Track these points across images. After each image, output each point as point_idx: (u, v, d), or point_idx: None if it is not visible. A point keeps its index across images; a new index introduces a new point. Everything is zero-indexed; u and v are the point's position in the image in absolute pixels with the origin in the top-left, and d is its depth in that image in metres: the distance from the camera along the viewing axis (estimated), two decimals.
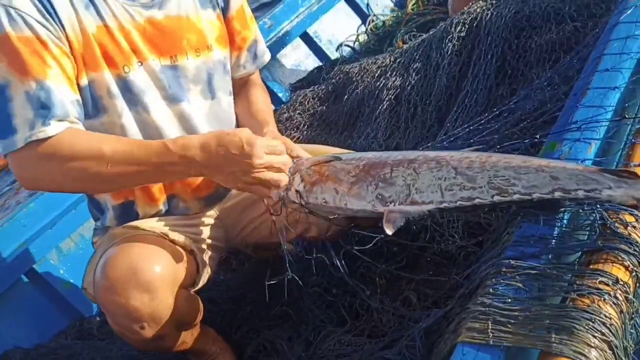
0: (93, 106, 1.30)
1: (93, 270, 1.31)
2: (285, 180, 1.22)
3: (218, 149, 1.18)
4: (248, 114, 1.52)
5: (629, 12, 1.35)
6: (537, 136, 1.26)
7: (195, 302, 1.42)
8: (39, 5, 1.22)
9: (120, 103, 1.31)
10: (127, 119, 1.33)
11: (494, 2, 2.23)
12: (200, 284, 1.43)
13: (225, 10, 1.47)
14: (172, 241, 1.37)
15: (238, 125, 1.53)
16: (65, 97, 1.22)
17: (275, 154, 1.21)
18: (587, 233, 0.93)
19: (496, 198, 1.04)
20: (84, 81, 1.28)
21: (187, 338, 1.43)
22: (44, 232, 1.97)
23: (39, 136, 1.19)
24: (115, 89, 1.30)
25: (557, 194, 0.99)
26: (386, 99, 2.17)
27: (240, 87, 1.58)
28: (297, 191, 1.23)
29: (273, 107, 2.63)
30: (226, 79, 1.48)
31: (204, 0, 1.43)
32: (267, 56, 1.61)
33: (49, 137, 1.19)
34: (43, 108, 1.19)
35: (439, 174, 1.10)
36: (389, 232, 1.11)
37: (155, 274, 1.25)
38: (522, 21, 2.04)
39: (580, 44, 1.75)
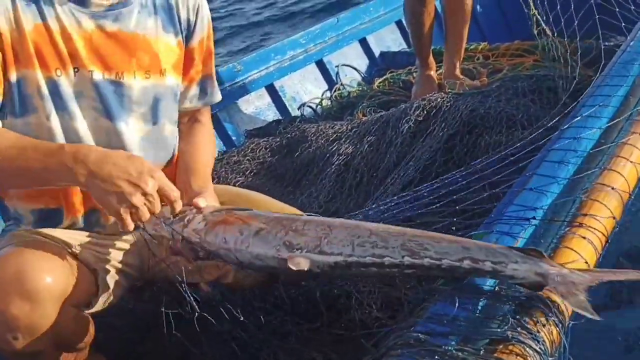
0: (21, 104, 1.27)
1: None
2: (147, 215, 1.19)
3: (116, 159, 1.16)
4: (187, 163, 1.47)
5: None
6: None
7: (85, 323, 1.33)
8: None
9: (49, 105, 1.28)
10: (54, 122, 1.29)
11: (454, 95, 2.35)
12: (97, 307, 1.34)
13: (188, 39, 1.45)
14: (75, 255, 1.30)
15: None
16: None
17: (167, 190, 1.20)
18: (499, 322, 0.95)
19: (406, 259, 1.07)
20: (14, 76, 1.25)
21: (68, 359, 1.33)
22: None
23: None
24: (45, 90, 1.27)
25: (466, 263, 1.03)
26: (335, 163, 2.21)
27: (186, 124, 1.54)
28: (194, 230, 1.21)
29: (224, 149, 2.66)
30: (174, 107, 1.46)
31: (168, 24, 1.41)
32: (217, 97, 1.57)
33: None
34: None
35: (353, 232, 1.13)
36: (294, 268, 1.11)
37: (43, 284, 1.17)
38: (477, 119, 2.14)
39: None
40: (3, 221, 1.45)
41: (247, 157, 2.47)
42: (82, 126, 1.32)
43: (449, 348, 0.88)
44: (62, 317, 1.22)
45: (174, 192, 1.22)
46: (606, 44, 2.44)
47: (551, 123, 1.76)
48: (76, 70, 1.29)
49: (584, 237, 1.15)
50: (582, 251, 1.12)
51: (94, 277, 1.33)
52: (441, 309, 0.98)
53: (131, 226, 1.19)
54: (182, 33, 1.44)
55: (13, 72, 1.25)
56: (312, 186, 2.18)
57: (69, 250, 1.29)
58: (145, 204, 1.18)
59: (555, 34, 2.41)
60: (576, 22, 2.24)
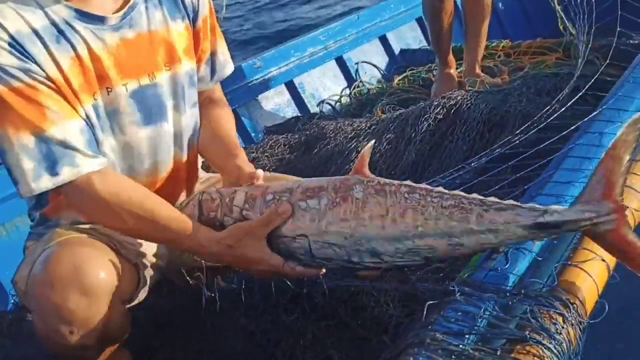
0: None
1: (30, 264, 1.25)
2: None
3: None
4: (213, 138, 1.50)
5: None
6: None
7: (127, 319, 1.35)
8: (15, 53, 1.18)
9: (100, 131, 1.29)
10: (108, 144, 1.31)
11: (474, 93, 2.33)
12: (136, 301, 1.37)
13: (194, 21, 1.44)
14: (118, 251, 1.31)
15: (200, 144, 1.51)
16: (70, 137, 1.21)
17: None
18: (517, 322, 0.94)
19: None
20: (79, 113, 1.26)
21: (106, 355, 1.34)
22: None
23: (47, 186, 1.20)
24: (93, 118, 1.28)
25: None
26: (354, 160, 2.20)
27: (206, 105, 1.54)
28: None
29: (243, 145, 2.66)
30: (193, 92, 1.46)
31: (173, 10, 1.40)
32: (227, 69, 1.56)
33: (63, 186, 1.22)
34: (46, 160, 1.20)
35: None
36: None
37: (100, 279, 1.20)
38: (497, 117, 2.12)
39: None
40: (30, 225, 1.46)
41: (266, 154, 2.47)
42: (133, 139, 1.34)
43: (466, 347, 0.88)
44: (112, 312, 1.24)
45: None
46: (631, 41, 2.42)
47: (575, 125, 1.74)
48: (109, 90, 1.29)
49: None
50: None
51: (136, 271, 1.35)
52: (459, 308, 0.97)
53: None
54: (188, 16, 1.43)
55: (79, 108, 1.25)
56: None
57: (114, 247, 1.31)
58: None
59: (581, 31, 2.38)
60: (592, 19, 2.21)
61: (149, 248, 1.41)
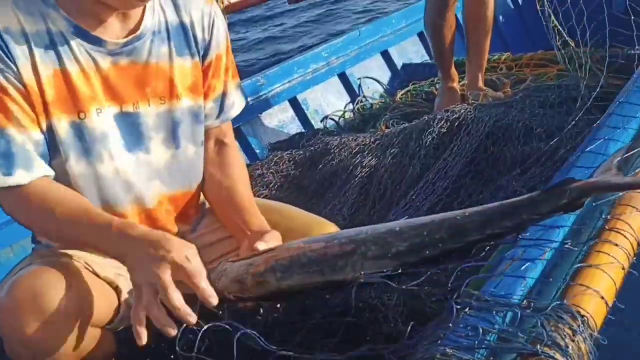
0: (51, 151, 1.27)
1: (2, 288, 1.23)
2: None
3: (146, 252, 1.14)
4: (234, 201, 1.44)
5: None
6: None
7: (105, 342, 1.31)
8: None
9: (73, 150, 1.27)
10: (79, 167, 1.29)
11: (477, 107, 2.34)
12: (120, 324, 1.33)
13: (203, 58, 1.42)
14: (96, 274, 1.29)
15: (208, 193, 1.50)
16: (30, 140, 1.22)
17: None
18: (526, 337, 0.94)
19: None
20: (43, 125, 1.25)
21: None
22: None
23: None
24: (68, 136, 1.26)
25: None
26: (359, 175, 2.21)
27: (213, 148, 1.51)
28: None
29: (247, 162, 2.67)
30: (196, 129, 1.43)
31: (182, 47, 1.38)
32: (235, 110, 1.52)
33: (10, 188, 1.21)
34: (3, 158, 1.20)
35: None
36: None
37: (59, 304, 1.16)
38: (500, 130, 2.13)
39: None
40: (32, 242, 1.46)
41: (271, 170, 2.48)
42: (109, 168, 1.31)
43: None
44: (79, 336, 1.21)
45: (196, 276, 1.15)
46: (631, 52, 2.43)
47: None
48: (99, 111, 1.28)
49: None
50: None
51: (117, 294, 1.32)
52: (469, 322, 0.97)
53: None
54: (198, 53, 1.41)
55: (43, 120, 1.25)
56: (335, 199, 2.18)
57: (91, 269, 1.29)
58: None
59: (580, 44, 2.39)
60: (591, 30, 2.22)
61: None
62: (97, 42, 1.27)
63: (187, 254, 1.13)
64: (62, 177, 1.29)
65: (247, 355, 1.42)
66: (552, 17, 2.40)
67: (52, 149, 1.27)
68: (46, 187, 1.25)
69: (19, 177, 1.21)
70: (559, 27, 2.30)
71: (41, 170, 1.25)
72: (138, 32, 1.31)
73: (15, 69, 1.20)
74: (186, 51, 1.39)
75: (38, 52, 1.22)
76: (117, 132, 1.31)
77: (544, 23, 2.38)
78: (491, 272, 1.10)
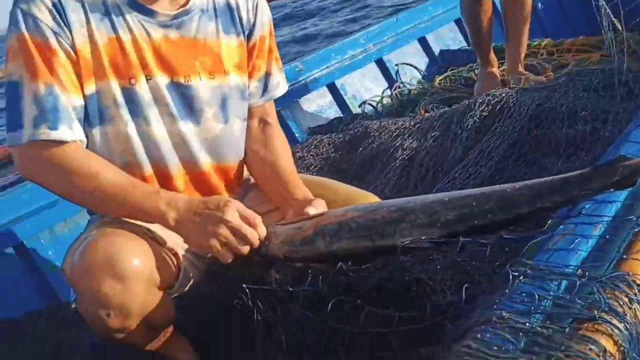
0: (99, 115, 1.34)
1: (73, 253, 1.31)
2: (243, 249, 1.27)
3: (199, 206, 1.26)
4: (279, 175, 1.51)
5: None
6: None
7: (168, 305, 1.38)
8: (54, 12, 1.28)
9: (126, 113, 1.35)
10: (132, 130, 1.36)
11: (519, 91, 2.33)
12: (178, 290, 1.40)
13: (249, 37, 1.50)
14: (157, 240, 1.36)
15: (253, 170, 1.55)
16: (71, 104, 1.29)
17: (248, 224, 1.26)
18: (582, 303, 0.95)
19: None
20: (91, 89, 1.32)
21: (155, 340, 1.39)
22: (42, 211, 1.97)
23: (41, 137, 1.26)
24: (121, 99, 1.34)
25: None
26: (400, 157, 2.22)
27: (257, 127, 1.57)
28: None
29: (288, 145, 2.68)
30: (242, 105, 1.50)
31: (228, 25, 1.46)
32: (279, 90, 1.59)
33: (54, 142, 1.27)
34: (50, 112, 1.26)
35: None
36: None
37: (133, 266, 1.23)
38: (544, 114, 2.12)
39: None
40: (89, 214, 1.52)
41: (311, 153, 2.52)
42: (159, 132, 1.39)
43: (534, 325, 0.89)
44: (148, 297, 1.28)
45: (255, 219, 1.28)
46: None
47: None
48: (149, 78, 1.36)
49: None
50: None
51: (177, 260, 1.38)
52: (523, 288, 0.99)
53: (229, 257, 1.28)
54: (243, 33, 1.49)
55: (91, 84, 1.32)
56: (377, 180, 2.20)
57: (153, 236, 1.35)
58: (237, 239, 1.26)
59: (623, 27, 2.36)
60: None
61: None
62: (149, 13, 1.36)
63: (237, 207, 1.25)
64: (118, 141, 1.36)
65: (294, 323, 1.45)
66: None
67: (103, 114, 1.34)
68: (86, 151, 1.32)
69: (63, 133, 1.28)
70: (607, 7, 2.27)
71: (80, 133, 1.32)
72: (187, 7, 1.40)
73: (69, 34, 1.29)
74: (232, 30, 1.47)
75: (94, 20, 1.31)
76: (168, 99, 1.38)
77: (594, 2, 2.33)
78: (544, 244, 1.11)
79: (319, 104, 3.00)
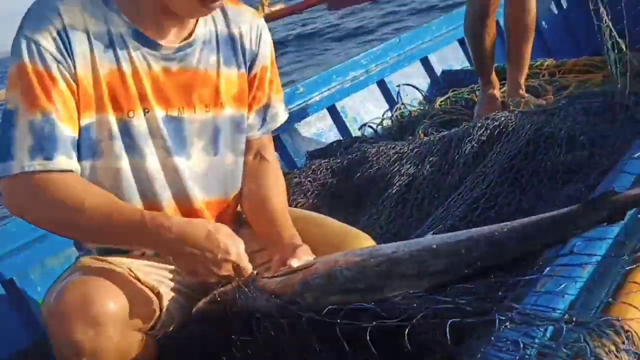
0: (92, 148, 1.32)
1: (52, 293, 1.28)
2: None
3: (194, 240, 1.24)
4: (268, 212, 1.47)
5: None
6: None
7: (148, 347, 1.34)
8: (59, 41, 1.26)
9: (119, 146, 1.33)
10: (124, 163, 1.34)
11: (518, 114, 2.30)
12: (161, 330, 1.36)
13: (249, 69, 1.48)
14: (138, 279, 1.33)
15: (244, 204, 1.52)
16: (67, 135, 1.27)
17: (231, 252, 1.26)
18: (568, 352, 0.91)
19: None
20: (88, 120, 1.30)
21: None
22: (33, 245, 1.94)
23: (37, 168, 1.23)
24: (116, 132, 1.32)
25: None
26: (397, 184, 2.19)
27: (252, 161, 1.53)
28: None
29: (286, 170, 2.67)
30: (237, 138, 1.47)
31: (229, 57, 1.44)
32: (278, 121, 1.56)
33: (48, 172, 1.24)
34: (46, 139, 1.24)
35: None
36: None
37: (106, 309, 1.20)
38: (542, 138, 2.08)
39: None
40: (77, 249, 1.50)
41: (309, 178, 2.49)
42: (153, 165, 1.36)
43: None
44: (126, 341, 1.25)
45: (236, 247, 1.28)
46: None
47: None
48: (147, 111, 1.34)
49: None
50: None
51: (158, 300, 1.35)
52: (508, 335, 0.95)
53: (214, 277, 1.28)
54: (245, 64, 1.46)
55: (88, 116, 1.30)
56: (373, 207, 2.18)
57: (133, 275, 1.33)
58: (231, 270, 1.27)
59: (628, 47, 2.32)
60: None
61: (174, 276, 1.41)
62: (153, 45, 1.35)
63: (227, 246, 1.25)
64: (108, 176, 1.34)
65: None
66: (605, 18, 2.32)
67: (95, 147, 1.32)
68: (75, 180, 1.29)
69: (60, 162, 1.25)
70: (611, 26, 2.22)
71: (75, 163, 1.30)
72: (190, 39, 1.39)
73: (71, 64, 1.28)
74: (233, 62, 1.45)
75: (97, 51, 1.30)
76: (163, 132, 1.36)
77: (596, 23, 2.30)
78: (532, 286, 1.07)
79: (318, 127, 2.99)
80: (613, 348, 0.91)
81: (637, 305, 1.00)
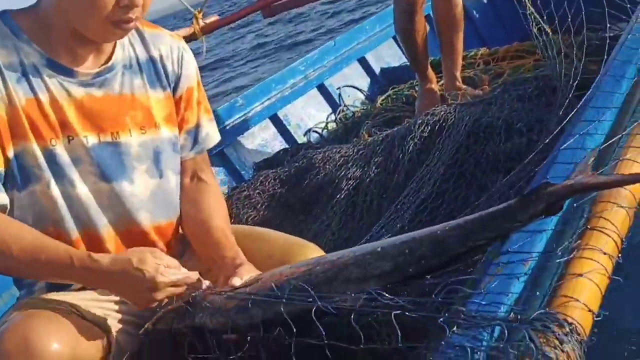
0: (23, 176, 1.30)
1: None
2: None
3: (123, 279, 1.23)
4: (210, 236, 1.45)
5: None
6: None
7: None
8: None
9: (48, 175, 1.31)
10: (55, 191, 1.32)
11: (457, 107, 2.33)
12: None
13: (174, 90, 1.47)
14: (83, 316, 1.30)
15: (184, 225, 1.50)
16: None
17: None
18: (516, 351, 0.92)
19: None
20: (12, 152, 1.28)
21: None
22: None
23: None
24: (42, 161, 1.30)
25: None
26: (345, 188, 2.19)
27: (189, 184, 1.51)
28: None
29: (234, 185, 2.65)
30: (176, 158, 1.47)
31: (153, 80, 1.43)
32: (209, 142, 1.54)
33: None
34: None
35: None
36: None
37: (50, 350, 1.17)
38: (481, 129, 2.11)
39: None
40: (17, 289, 1.45)
41: (257, 191, 2.47)
42: (83, 192, 1.34)
43: None
44: None
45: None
46: (609, 34, 2.41)
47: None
48: (71, 138, 1.32)
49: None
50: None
51: (106, 334, 1.32)
52: (456, 340, 0.95)
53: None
54: (169, 85, 1.45)
55: (10, 147, 1.28)
56: (323, 214, 2.17)
57: (77, 313, 1.29)
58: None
59: (558, 31, 2.37)
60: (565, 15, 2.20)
61: (121, 307, 1.38)
62: (69, 73, 1.33)
63: (160, 268, 1.23)
64: (42, 200, 1.32)
65: None
66: (529, 4, 2.37)
67: (28, 174, 1.30)
68: (2, 220, 1.25)
69: None
70: (535, 13, 2.27)
71: (6, 198, 1.28)
72: (109, 64, 1.38)
73: None
74: (158, 84, 1.44)
75: (11, 82, 1.28)
76: (92, 159, 1.34)
77: (520, 11, 2.35)
78: (476, 285, 1.08)
79: (263, 138, 2.97)
80: (557, 342, 0.92)
81: (579, 294, 1.02)
